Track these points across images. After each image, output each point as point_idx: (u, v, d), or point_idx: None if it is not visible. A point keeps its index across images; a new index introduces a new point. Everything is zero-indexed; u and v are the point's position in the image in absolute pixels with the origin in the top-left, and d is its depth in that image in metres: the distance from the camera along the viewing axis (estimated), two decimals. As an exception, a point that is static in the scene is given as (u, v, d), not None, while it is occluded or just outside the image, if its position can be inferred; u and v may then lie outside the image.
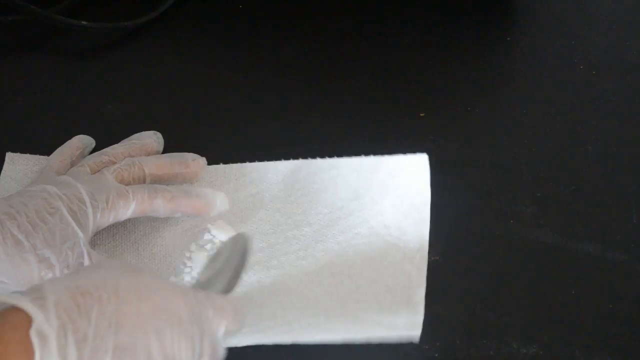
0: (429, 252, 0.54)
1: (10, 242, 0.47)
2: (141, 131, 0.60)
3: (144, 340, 0.38)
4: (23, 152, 0.61)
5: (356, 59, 0.72)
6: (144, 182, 0.55)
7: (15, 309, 0.37)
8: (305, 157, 0.59)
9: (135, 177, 0.54)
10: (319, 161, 0.57)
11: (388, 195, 0.57)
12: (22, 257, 0.48)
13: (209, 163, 0.58)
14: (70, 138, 0.60)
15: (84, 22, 0.72)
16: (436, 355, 0.49)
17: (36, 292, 0.38)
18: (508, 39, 0.73)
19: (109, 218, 0.52)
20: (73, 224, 0.49)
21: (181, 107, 0.68)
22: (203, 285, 0.48)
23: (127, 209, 0.52)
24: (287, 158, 0.60)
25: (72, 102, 0.69)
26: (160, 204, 0.53)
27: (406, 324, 0.50)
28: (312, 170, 0.57)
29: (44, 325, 0.36)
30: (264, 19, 0.77)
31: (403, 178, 0.57)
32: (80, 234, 0.49)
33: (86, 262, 0.49)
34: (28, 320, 0.36)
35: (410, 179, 0.57)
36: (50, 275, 0.48)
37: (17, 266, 0.48)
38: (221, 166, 0.58)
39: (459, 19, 0.75)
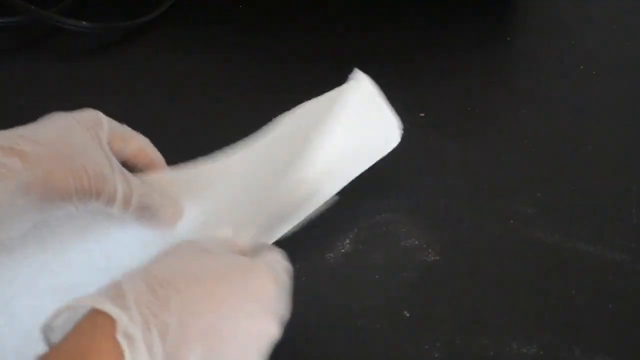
0: (429, 252, 0.54)
1: None
2: (140, 131, 0.60)
3: (228, 322, 0.39)
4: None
5: (356, 58, 0.72)
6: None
7: (99, 311, 0.37)
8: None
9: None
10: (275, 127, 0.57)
11: (340, 115, 0.57)
12: None
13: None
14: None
15: (84, 22, 0.72)
16: (436, 355, 0.49)
17: (115, 291, 0.38)
18: (508, 39, 0.73)
19: None
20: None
21: (181, 107, 0.68)
22: None
23: None
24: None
25: (72, 102, 0.69)
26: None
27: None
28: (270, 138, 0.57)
29: (129, 326, 0.36)
30: (264, 18, 0.77)
31: (348, 96, 0.57)
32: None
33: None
34: (112, 321, 0.37)
35: (355, 92, 0.57)
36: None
37: None
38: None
39: (458, 19, 0.75)
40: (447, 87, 0.68)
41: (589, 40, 0.72)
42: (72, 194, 0.47)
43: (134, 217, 0.52)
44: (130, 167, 0.55)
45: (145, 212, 0.52)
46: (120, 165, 0.51)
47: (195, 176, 0.55)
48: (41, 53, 0.75)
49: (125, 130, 0.53)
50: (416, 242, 0.55)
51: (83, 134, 0.50)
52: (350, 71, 0.70)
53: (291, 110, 0.57)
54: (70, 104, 0.68)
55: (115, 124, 0.53)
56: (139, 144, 0.54)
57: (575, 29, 0.73)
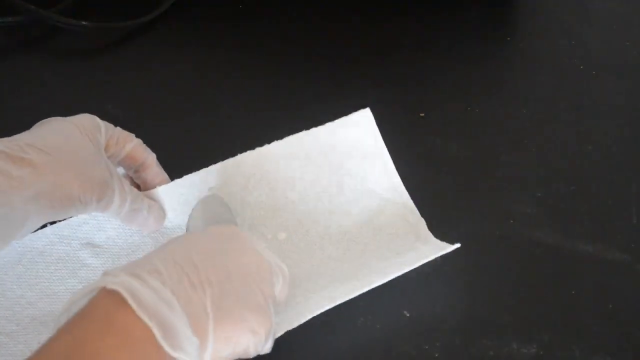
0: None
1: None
2: (141, 130, 0.60)
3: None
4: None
5: (356, 58, 0.72)
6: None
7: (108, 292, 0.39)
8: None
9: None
10: (270, 147, 0.57)
11: (342, 153, 0.58)
12: None
13: (209, 160, 0.58)
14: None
15: (84, 22, 0.72)
16: (436, 355, 0.49)
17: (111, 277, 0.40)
18: (508, 39, 0.73)
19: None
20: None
21: (181, 107, 0.68)
22: None
23: None
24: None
25: (72, 102, 0.69)
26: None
27: (430, 250, 0.52)
28: (265, 159, 0.57)
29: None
30: (264, 18, 0.77)
31: (351, 133, 0.58)
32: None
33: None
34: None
35: (357, 131, 0.58)
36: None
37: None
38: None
39: (459, 19, 0.75)
40: (447, 87, 0.68)
41: (589, 40, 0.72)
42: (76, 201, 0.49)
43: (124, 219, 0.54)
44: (123, 168, 0.56)
45: (136, 214, 0.53)
46: (116, 171, 0.53)
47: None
48: (41, 53, 0.75)
49: (118, 132, 0.54)
50: (416, 242, 0.55)
51: (84, 141, 0.51)
52: (349, 71, 0.70)
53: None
54: (70, 104, 0.68)
55: (110, 127, 0.54)
56: (132, 146, 0.55)
57: (575, 29, 0.73)
